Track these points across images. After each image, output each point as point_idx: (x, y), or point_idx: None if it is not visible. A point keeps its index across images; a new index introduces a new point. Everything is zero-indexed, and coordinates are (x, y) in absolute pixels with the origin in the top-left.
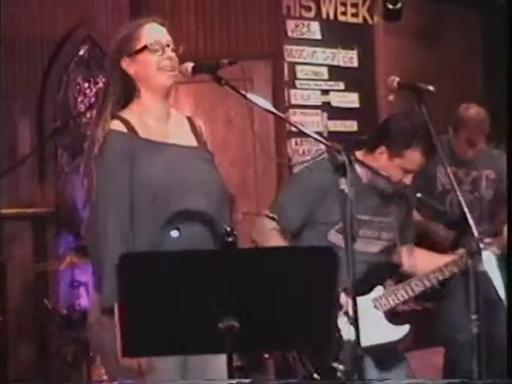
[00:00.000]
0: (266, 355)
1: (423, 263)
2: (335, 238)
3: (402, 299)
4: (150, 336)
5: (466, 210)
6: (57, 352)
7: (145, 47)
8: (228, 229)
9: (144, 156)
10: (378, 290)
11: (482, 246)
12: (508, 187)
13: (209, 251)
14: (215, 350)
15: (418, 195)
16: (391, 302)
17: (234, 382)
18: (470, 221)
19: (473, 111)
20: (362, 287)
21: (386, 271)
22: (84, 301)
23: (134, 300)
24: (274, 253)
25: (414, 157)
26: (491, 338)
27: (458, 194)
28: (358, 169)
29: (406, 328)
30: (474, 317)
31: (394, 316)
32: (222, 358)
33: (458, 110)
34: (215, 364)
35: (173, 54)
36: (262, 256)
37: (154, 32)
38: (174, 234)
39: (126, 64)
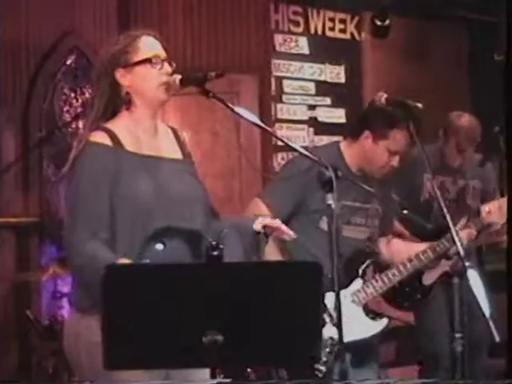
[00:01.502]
0: (249, 370)
1: (400, 252)
2: (326, 224)
3: (380, 291)
4: (133, 349)
5: (451, 225)
6: (38, 363)
7: (146, 60)
8: (213, 242)
9: (129, 170)
10: (357, 283)
11: (467, 264)
12: (508, 189)
13: (194, 264)
14: (199, 364)
15: (405, 212)
16: (369, 295)
17: (214, 381)
18: (456, 237)
19: (465, 118)
20: (348, 272)
21: (369, 258)
22: (66, 312)
23: (118, 312)
24: (260, 267)
25: (398, 137)
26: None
27: (444, 208)
28: (347, 158)
29: (384, 321)
30: (458, 335)
31: (371, 310)
32: (205, 373)
33: (449, 116)
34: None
35: (170, 70)
36: (248, 270)
37: (152, 45)
38: (159, 246)
39: (120, 75)
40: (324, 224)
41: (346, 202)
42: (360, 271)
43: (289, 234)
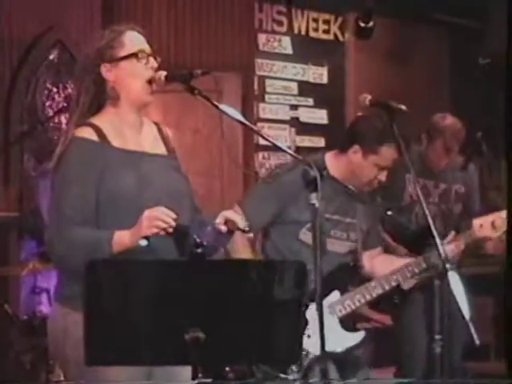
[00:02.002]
0: (227, 368)
1: (382, 266)
2: (306, 237)
3: (358, 304)
4: (115, 345)
5: (432, 227)
6: (15, 358)
7: (132, 55)
8: (198, 240)
9: (116, 166)
10: (334, 296)
11: (447, 266)
12: (508, 189)
13: (177, 261)
14: (180, 361)
15: (389, 213)
16: (347, 308)
17: (195, 382)
18: (437, 239)
19: (449, 119)
20: (326, 284)
21: (350, 273)
22: (45, 307)
23: (99, 308)
24: (243, 266)
25: (388, 153)
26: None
27: (426, 210)
28: (331, 171)
29: (361, 334)
30: (437, 337)
31: (348, 322)
32: (188, 370)
33: (432, 118)
34: (180, 375)
35: (156, 64)
36: (231, 268)
37: (137, 40)
38: (143, 242)
39: (105, 70)
40: (303, 235)
41: (326, 215)
42: (338, 283)
43: (245, 230)
